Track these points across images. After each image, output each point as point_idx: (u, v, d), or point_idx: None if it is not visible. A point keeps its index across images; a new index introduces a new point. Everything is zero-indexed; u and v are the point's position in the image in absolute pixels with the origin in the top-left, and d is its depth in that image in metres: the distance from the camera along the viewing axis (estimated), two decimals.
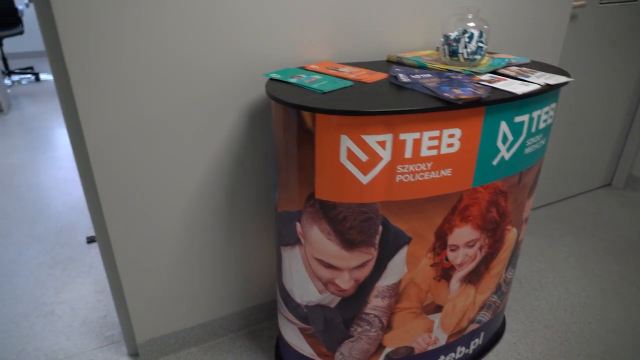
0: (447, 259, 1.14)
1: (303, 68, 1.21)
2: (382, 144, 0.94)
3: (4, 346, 1.51)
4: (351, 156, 0.95)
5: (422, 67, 1.22)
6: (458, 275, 1.19)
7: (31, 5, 5.75)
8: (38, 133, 3.49)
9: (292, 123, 0.98)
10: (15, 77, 5.09)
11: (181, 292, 1.39)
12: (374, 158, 0.95)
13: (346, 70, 1.17)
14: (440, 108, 0.92)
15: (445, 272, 1.16)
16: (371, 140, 0.94)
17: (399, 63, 1.29)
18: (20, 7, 4.89)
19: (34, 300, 1.72)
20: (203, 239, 1.35)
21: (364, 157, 0.95)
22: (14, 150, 3.16)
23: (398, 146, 0.95)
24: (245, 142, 1.28)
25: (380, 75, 1.14)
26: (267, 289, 1.55)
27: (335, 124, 0.92)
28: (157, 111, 1.14)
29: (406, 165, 0.97)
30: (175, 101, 1.15)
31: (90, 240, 2.08)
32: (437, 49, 1.40)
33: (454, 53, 1.18)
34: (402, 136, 0.94)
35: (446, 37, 1.19)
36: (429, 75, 1.11)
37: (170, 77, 1.12)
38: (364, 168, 0.96)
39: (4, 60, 5.02)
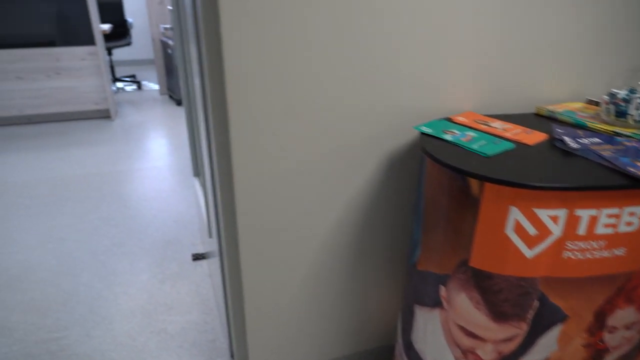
0: (602, 341, 1.04)
1: (450, 120, 1.16)
2: (554, 218, 0.87)
3: None
4: (518, 228, 0.89)
5: (581, 126, 1.13)
6: (610, 358, 1.08)
7: (132, 18, 6.17)
8: (141, 142, 3.71)
9: (453, 187, 0.93)
10: (120, 84, 5.47)
11: (298, 332, 1.39)
12: (544, 232, 0.89)
13: (498, 126, 1.11)
14: (625, 186, 0.84)
15: (597, 354, 1.06)
16: (543, 214, 0.87)
17: (551, 118, 1.21)
18: (129, 20, 5.27)
19: (147, 315, 1.80)
20: (327, 281, 1.34)
21: (532, 231, 0.89)
22: (121, 158, 3.37)
23: (572, 222, 0.88)
24: (380, 192, 1.25)
25: (539, 136, 1.06)
26: (378, 335, 1.51)
27: (506, 195, 0.87)
28: (301, 153, 1.14)
29: (577, 242, 0.90)
30: (319, 147, 1.14)
31: (196, 257, 2.15)
32: (588, 102, 1.30)
33: (621, 114, 1.09)
34: (577, 212, 0.87)
35: (612, 94, 1.10)
36: (597, 139, 1.03)
37: (318, 123, 1.11)
38: (531, 242, 0.90)
39: (112, 68, 5.42)
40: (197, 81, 1.21)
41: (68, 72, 3.98)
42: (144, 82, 5.58)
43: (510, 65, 1.22)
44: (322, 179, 1.19)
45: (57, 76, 3.96)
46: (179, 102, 4.68)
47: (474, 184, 0.90)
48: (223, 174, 1.15)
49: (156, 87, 5.37)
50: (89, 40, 3.94)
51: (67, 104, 4.06)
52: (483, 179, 0.86)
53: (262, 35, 0.99)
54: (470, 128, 1.11)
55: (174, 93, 4.73)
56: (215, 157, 1.13)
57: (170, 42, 4.40)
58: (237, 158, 1.09)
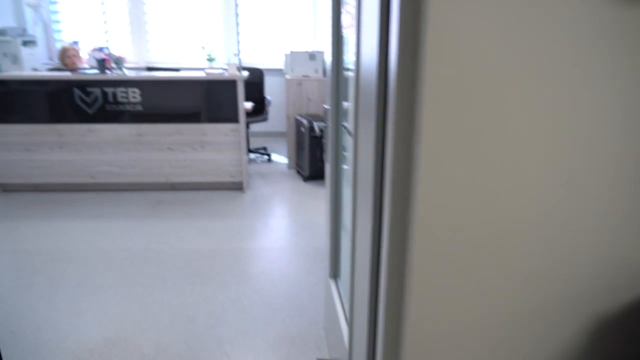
0: None
1: None
2: None
3: None
4: None
5: None
6: None
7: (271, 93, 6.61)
8: (268, 217, 3.77)
9: None
10: (252, 156, 5.80)
11: None
12: None
13: None
14: None
15: None
16: None
17: None
18: (268, 97, 5.66)
19: None
20: None
21: None
22: (250, 233, 3.44)
23: None
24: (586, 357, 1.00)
25: None
26: None
27: None
28: (490, 305, 0.95)
29: None
30: (511, 301, 0.95)
31: None
32: None
33: None
34: None
35: None
36: None
37: (514, 275, 0.93)
38: None
39: (247, 140, 5.81)
40: (369, 191, 1.10)
41: (211, 146, 4.30)
42: (273, 154, 5.86)
43: None
44: (510, 338, 0.97)
45: (202, 149, 4.29)
46: (305, 178, 4.78)
47: None
48: (390, 317, 1.00)
49: (285, 160, 5.59)
50: (233, 118, 4.24)
51: (206, 174, 4.35)
52: None
53: (459, 179, 0.85)
54: None
55: (301, 169, 4.86)
56: (383, 298, 0.99)
57: (304, 121, 4.58)
58: (414, 306, 0.94)
